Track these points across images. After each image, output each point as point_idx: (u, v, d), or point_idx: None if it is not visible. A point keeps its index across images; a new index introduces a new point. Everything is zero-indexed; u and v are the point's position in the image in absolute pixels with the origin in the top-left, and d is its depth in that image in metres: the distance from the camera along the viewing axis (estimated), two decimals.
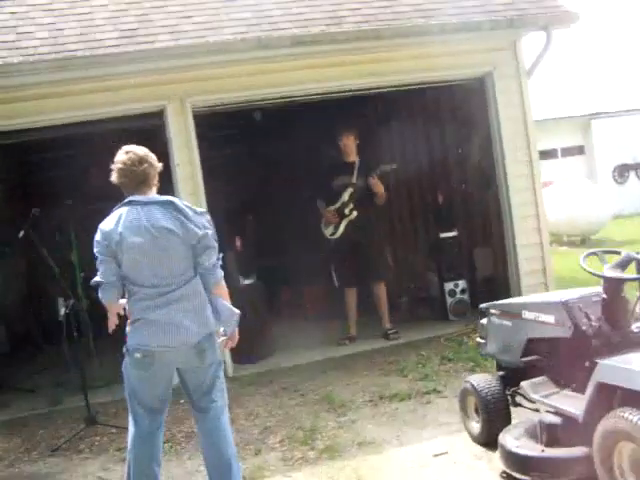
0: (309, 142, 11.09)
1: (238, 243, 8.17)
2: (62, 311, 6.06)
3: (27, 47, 6.29)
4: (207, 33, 6.73)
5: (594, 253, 4.12)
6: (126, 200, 3.86)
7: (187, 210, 3.84)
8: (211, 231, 3.89)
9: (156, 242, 3.75)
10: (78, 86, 6.68)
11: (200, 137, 7.14)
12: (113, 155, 3.93)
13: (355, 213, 7.68)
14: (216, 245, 3.92)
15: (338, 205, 7.74)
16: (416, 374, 6.35)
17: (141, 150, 3.93)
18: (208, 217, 3.94)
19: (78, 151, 9.73)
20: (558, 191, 15.04)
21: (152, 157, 3.94)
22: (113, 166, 3.90)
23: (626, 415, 3.23)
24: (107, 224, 3.82)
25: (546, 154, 18.63)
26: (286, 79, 7.20)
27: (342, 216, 7.74)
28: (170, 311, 3.78)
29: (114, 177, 3.90)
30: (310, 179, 8.95)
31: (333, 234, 7.80)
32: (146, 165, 3.87)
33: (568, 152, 22.68)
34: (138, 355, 3.82)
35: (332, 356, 7.37)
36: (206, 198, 7.08)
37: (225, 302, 3.97)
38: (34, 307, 10.51)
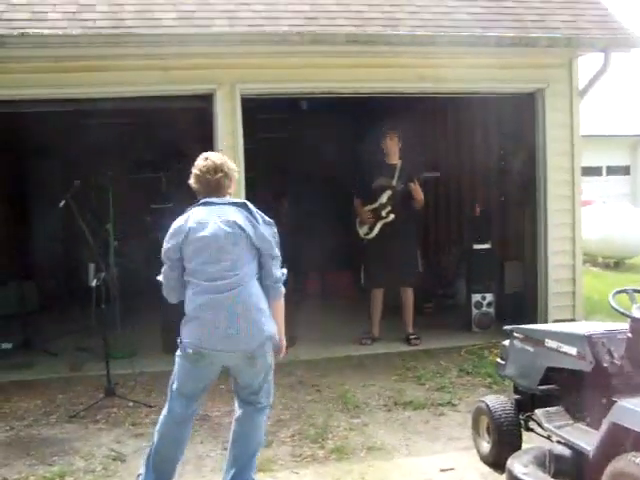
0: (352, 135, 11.11)
1: None
2: (93, 282, 6.16)
3: (87, 19, 6.39)
4: (264, 22, 6.76)
5: (624, 291, 4.09)
6: (201, 201, 3.97)
7: (258, 215, 3.91)
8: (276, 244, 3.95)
9: (224, 235, 3.82)
10: (132, 62, 6.78)
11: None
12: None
13: (392, 216, 7.64)
14: (280, 259, 3.95)
15: (375, 206, 7.72)
16: (433, 384, 6.37)
17: (219, 159, 4.03)
18: (275, 229, 3.98)
19: (124, 123, 9.86)
20: (597, 211, 14.86)
21: (229, 166, 4.03)
22: (192, 169, 4.02)
23: (637, 460, 3.22)
24: (178, 222, 3.94)
25: (590, 171, 18.40)
26: (337, 75, 7.24)
27: (378, 217, 7.71)
28: (227, 312, 3.81)
29: (191, 180, 4.03)
30: (349, 173, 8.96)
31: (367, 234, 7.79)
32: (221, 175, 3.96)
33: (613, 171, 22.38)
34: (190, 351, 3.89)
35: (352, 354, 7.42)
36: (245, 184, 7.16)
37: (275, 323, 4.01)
38: (66, 269, 10.70)
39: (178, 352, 4.00)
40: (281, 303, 4.05)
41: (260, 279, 3.94)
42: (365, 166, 8.10)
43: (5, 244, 10.29)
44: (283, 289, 4.01)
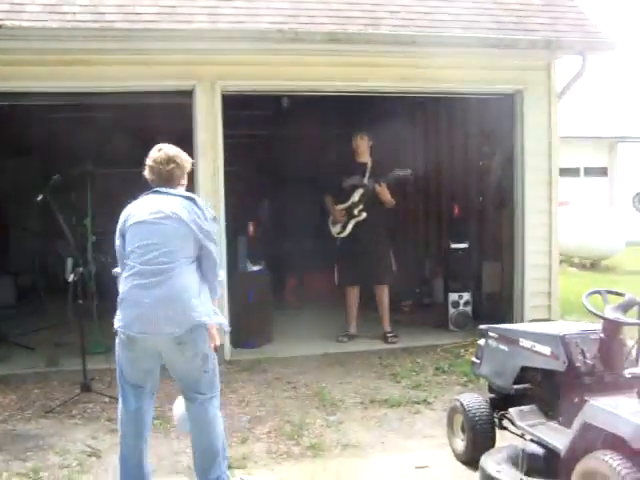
0: (329, 133, 11.12)
1: (251, 228, 8.22)
2: (70, 277, 6.13)
3: (67, 12, 6.35)
4: (245, 19, 6.76)
5: (598, 292, 4.15)
6: (152, 190, 4.02)
7: (204, 210, 3.97)
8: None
9: (163, 222, 3.88)
10: (112, 57, 6.74)
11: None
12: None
13: (364, 214, 7.67)
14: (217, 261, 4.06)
15: (348, 205, 7.74)
16: (409, 382, 6.42)
17: (172, 150, 4.07)
18: (216, 227, 4.11)
19: (102, 117, 9.80)
20: (574, 212, 15.00)
21: (181, 157, 4.08)
22: (146, 161, 4.05)
23: (607, 458, 3.27)
24: (127, 209, 4.03)
25: (568, 172, 18.48)
26: (318, 74, 7.25)
27: (350, 216, 7.74)
28: (154, 296, 3.83)
29: (145, 171, 4.07)
30: (325, 172, 8.99)
31: (340, 233, 7.81)
32: (173, 166, 4.01)
33: (591, 172, 22.55)
34: (123, 337, 3.94)
35: (329, 352, 7.43)
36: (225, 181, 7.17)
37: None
38: (43, 263, 10.62)
39: (116, 339, 4.03)
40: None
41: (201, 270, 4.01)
42: (336, 165, 8.12)
43: None
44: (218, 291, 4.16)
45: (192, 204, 3.95)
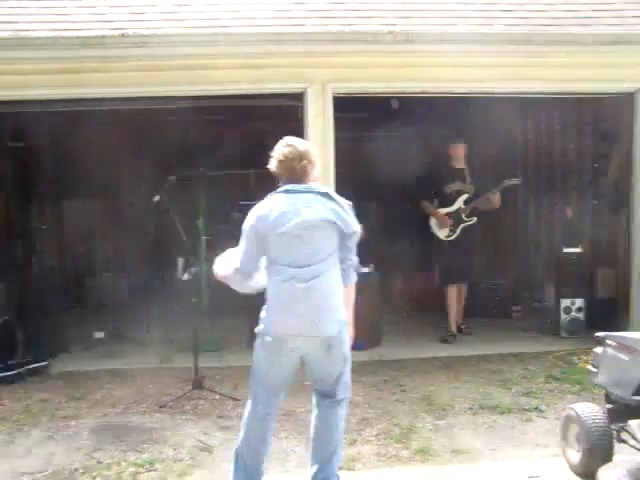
0: (437, 135, 10.99)
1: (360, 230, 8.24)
2: (185, 276, 6.31)
3: (184, 19, 6.54)
4: (355, 21, 6.78)
5: None
6: (282, 188, 3.92)
7: (342, 201, 3.90)
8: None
9: (307, 226, 3.80)
10: (225, 60, 6.86)
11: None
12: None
13: (475, 219, 7.95)
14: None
15: (453, 209, 7.92)
16: (520, 388, 6.26)
17: (302, 145, 3.98)
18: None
19: (214, 120, 10.04)
20: None
21: (312, 153, 3.98)
22: (273, 155, 3.98)
23: None
24: (262, 209, 3.90)
25: None
26: (428, 75, 7.17)
27: (459, 221, 7.92)
28: (306, 299, 3.80)
29: (273, 166, 3.98)
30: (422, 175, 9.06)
31: (449, 236, 7.98)
32: (305, 162, 3.92)
33: None
34: (269, 339, 3.89)
35: (438, 355, 7.36)
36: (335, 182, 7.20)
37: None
38: (156, 263, 10.95)
39: (256, 342, 3.99)
40: (351, 289, 4.03)
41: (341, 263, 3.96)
42: (435, 170, 8.22)
43: (101, 238, 10.66)
44: (355, 276, 4.01)
45: (328, 200, 3.86)
